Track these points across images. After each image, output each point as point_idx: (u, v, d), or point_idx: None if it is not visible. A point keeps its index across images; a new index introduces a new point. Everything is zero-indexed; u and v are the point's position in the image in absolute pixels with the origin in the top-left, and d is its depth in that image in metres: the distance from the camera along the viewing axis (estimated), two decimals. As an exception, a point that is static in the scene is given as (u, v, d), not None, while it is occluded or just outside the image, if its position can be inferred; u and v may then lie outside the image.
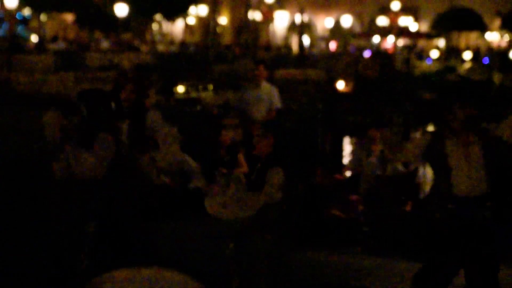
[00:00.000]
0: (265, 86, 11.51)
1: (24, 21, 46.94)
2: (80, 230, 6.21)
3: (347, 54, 42.16)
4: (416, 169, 12.04)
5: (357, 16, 56.75)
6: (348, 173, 11.05)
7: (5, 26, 40.94)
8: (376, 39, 52.82)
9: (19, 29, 45.31)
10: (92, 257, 6.17)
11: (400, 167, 10.56)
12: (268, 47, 43.82)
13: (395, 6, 49.48)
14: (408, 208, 9.20)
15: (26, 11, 44.90)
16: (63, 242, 6.37)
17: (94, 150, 6.09)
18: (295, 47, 48.73)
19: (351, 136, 15.12)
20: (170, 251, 7.99)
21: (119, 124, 6.83)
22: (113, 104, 6.64)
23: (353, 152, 11.41)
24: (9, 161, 9.79)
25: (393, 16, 47.06)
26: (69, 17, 48.80)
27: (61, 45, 36.09)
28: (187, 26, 55.51)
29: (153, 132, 7.04)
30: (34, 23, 49.43)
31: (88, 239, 6.21)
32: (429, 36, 47.29)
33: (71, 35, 46.95)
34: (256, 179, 8.39)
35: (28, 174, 7.73)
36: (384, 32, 49.33)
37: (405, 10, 50.47)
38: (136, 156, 7.13)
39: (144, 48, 38.84)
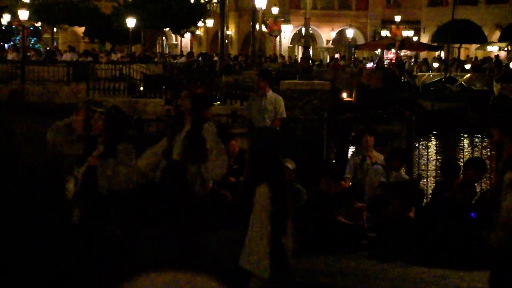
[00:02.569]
0: (271, 96, 11.77)
1: (36, 33, 47.43)
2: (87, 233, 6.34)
3: (350, 65, 42.63)
4: (420, 176, 12.39)
5: (360, 28, 57.18)
6: (350, 181, 11.43)
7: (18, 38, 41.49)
8: (378, 50, 53.26)
9: (32, 41, 45.86)
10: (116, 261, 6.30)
11: (403, 174, 10.94)
12: (274, 58, 44.25)
13: (397, 18, 49.96)
14: (412, 214, 9.49)
15: (38, 24, 45.34)
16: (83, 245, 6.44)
17: (125, 162, 6.21)
18: (299, 58, 49.19)
19: (353, 145, 15.50)
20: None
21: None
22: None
23: (349, 159, 11.81)
24: (23, 168, 10.20)
25: (396, 28, 47.41)
26: (80, 29, 49.35)
27: (72, 56, 36.49)
28: (194, 37, 56.00)
29: (204, 143, 7.18)
30: (46, 35, 49.96)
31: (112, 242, 6.34)
32: (430, 47, 47.59)
33: (82, 47, 47.50)
34: None
35: (41, 181, 8.03)
36: (386, 43, 49.71)
37: (407, 22, 50.86)
38: (185, 164, 7.23)
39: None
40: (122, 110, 6.63)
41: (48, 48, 43.73)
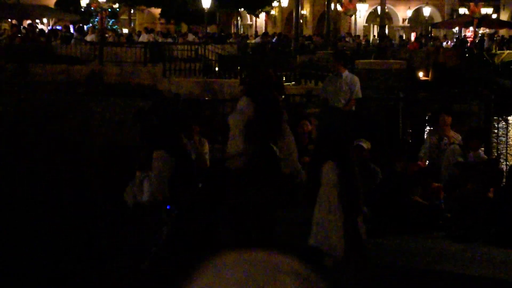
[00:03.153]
0: (346, 76, 11.70)
1: (114, 15, 48.23)
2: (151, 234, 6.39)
3: (427, 44, 41.95)
4: (499, 156, 12.12)
5: (437, 6, 56.14)
6: (426, 161, 11.32)
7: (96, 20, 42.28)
8: (456, 29, 52.24)
9: (110, 23, 46.65)
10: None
11: (482, 154, 10.75)
12: (348, 37, 43.92)
13: (476, -5, 48.91)
14: (490, 194, 9.28)
15: (115, 5, 46.11)
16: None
17: (151, 173, 6.19)
18: (375, 37, 48.67)
19: (429, 125, 15.31)
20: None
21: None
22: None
23: (426, 139, 11.62)
24: (100, 149, 10.41)
25: (474, 5, 46.37)
26: (156, 11, 49.97)
27: (149, 37, 36.98)
28: (269, 17, 56.01)
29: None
30: (123, 17, 50.78)
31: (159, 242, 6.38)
32: (510, 25, 46.42)
33: (159, 28, 48.09)
34: None
35: (118, 163, 8.18)
36: (464, 21, 48.72)
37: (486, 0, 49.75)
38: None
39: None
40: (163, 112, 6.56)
41: (129, 30, 44.40)
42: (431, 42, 43.51)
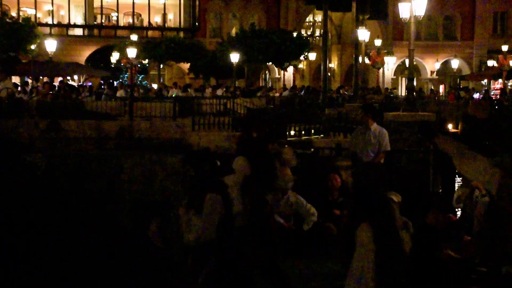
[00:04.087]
0: (375, 129, 11.79)
1: (143, 70, 48.89)
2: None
3: (451, 96, 41.87)
4: None
5: (466, 58, 56.17)
6: (459, 213, 11.20)
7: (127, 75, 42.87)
8: (485, 81, 52.15)
9: (139, 78, 47.28)
10: None
11: None
12: (377, 90, 44.01)
13: (505, 47, 48.86)
14: None
15: (145, 61, 46.76)
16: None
17: (203, 214, 6.20)
18: (403, 90, 48.74)
19: (460, 177, 15.20)
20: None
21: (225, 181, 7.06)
22: (218, 163, 6.97)
23: (457, 191, 11.51)
24: (132, 203, 10.45)
25: (503, 58, 46.32)
26: (185, 66, 50.58)
27: (178, 92, 37.36)
28: (297, 70, 56.40)
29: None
30: (153, 72, 51.46)
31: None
32: (539, 77, 46.32)
33: (188, 82, 48.61)
34: None
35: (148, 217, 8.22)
36: (493, 73, 48.65)
37: (514, 52, 49.71)
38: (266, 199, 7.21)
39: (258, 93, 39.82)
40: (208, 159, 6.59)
41: (158, 85, 44.90)
42: (463, 93, 43.38)
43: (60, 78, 39.55)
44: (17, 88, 34.07)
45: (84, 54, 52.64)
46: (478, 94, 45.57)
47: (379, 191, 5.57)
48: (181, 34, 54.57)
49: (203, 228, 6.20)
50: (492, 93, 45.45)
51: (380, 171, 6.02)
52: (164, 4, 56.02)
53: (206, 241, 6.24)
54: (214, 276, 6.33)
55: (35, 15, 52.05)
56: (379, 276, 5.35)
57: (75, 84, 42.20)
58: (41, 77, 40.16)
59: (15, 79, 42.25)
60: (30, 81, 41.10)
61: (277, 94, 40.46)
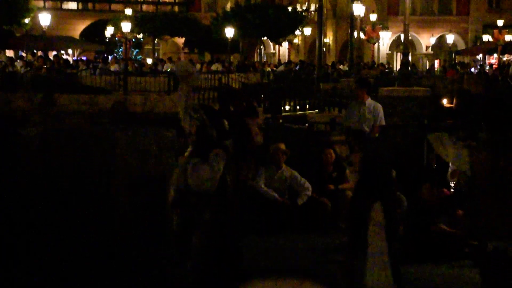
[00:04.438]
0: (370, 103, 11.76)
1: (138, 45, 48.71)
2: (187, 241, 6.45)
3: (448, 71, 41.83)
4: None
5: (461, 33, 56.04)
6: (453, 187, 11.23)
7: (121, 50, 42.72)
8: (480, 55, 52.08)
9: (134, 53, 47.12)
10: (197, 268, 6.40)
11: None
12: (372, 65, 43.95)
13: (500, 22, 48.75)
14: None
15: (140, 36, 46.57)
16: (170, 252, 6.75)
17: (210, 163, 6.31)
18: (398, 65, 48.68)
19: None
20: (279, 263, 8.49)
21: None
22: (226, 123, 7.04)
23: (450, 166, 11.55)
24: (127, 178, 10.45)
25: (498, 32, 46.23)
26: (180, 40, 50.40)
27: (173, 67, 37.22)
28: (292, 45, 56.25)
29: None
30: (147, 47, 51.29)
31: (194, 250, 6.43)
32: (535, 52, 46.26)
33: (182, 57, 48.48)
34: None
35: (145, 190, 8.23)
36: (488, 48, 48.59)
37: (510, 27, 49.51)
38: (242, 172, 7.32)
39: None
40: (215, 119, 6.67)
41: (153, 60, 44.79)
42: (458, 68, 43.32)
43: (54, 52, 39.38)
44: (13, 61, 33.90)
45: (78, 28, 52.38)
46: (473, 69, 45.54)
47: (388, 169, 5.64)
48: (176, 8, 54.31)
49: (210, 176, 6.30)
50: (487, 68, 45.44)
51: (387, 148, 6.12)
52: (159, -22, 55.73)
53: (207, 189, 6.33)
54: (208, 232, 6.37)
55: (29, -12, 51.72)
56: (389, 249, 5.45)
57: (69, 58, 42.02)
58: (34, 51, 39.96)
59: (9, 53, 42.04)
60: (24, 54, 40.90)
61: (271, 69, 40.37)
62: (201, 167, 6.34)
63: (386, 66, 45.64)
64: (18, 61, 35.42)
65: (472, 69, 45.25)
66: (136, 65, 38.73)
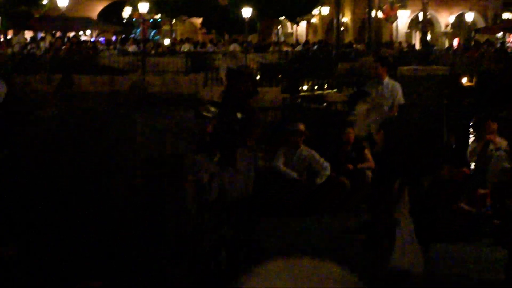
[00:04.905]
0: (388, 82, 11.71)
1: (156, 25, 48.66)
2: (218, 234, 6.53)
3: (470, 49, 41.47)
4: None
5: (480, 11, 55.50)
6: (473, 167, 11.17)
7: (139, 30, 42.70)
8: (500, 34, 51.54)
9: (152, 33, 47.08)
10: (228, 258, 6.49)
11: None
12: (390, 44, 43.67)
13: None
14: None
15: (157, 16, 46.52)
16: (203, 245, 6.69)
17: (244, 172, 6.32)
18: (417, 43, 48.34)
19: (474, 131, 15.14)
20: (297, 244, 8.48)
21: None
22: (239, 115, 6.95)
23: (471, 145, 11.49)
24: (146, 159, 10.47)
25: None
26: (197, 21, 50.31)
27: (190, 47, 37.22)
28: (310, 25, 55.96)
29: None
30: (165, 27, 51.22)
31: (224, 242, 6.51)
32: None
33: (200, 38, 48.39)
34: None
35: (166, 173, 8.21)
36: (508, 26, 48.06)
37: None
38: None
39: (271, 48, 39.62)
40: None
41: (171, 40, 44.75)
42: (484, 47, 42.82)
43: (72, 33, 39.40)
44: (32, 43, 33.96)
45: (96, 9, 52.36)
46: (493, 47, 45.09)
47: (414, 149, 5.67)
48: (193, -11, 54.12)
49: (245, 185, 6.31)
50: (507, 46, 44.98)
51: (406, 127, 6.12)
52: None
53: (246, 196, 6.32)
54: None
55: (47, -31, 51.72)
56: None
57: (87, 39, 42.07)
58: (53, 32, 40.03)
59: (28, 34, 42.15)
60: (42, 35, 40.98)
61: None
62: (237, 179, 6.31)
63: (406, 44, 45.31)
64: (41, 43, 35.50)
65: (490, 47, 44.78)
66: (152, 45, 38.74)
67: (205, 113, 6.45)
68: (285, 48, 40.37)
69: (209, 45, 38.22)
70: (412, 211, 5.49)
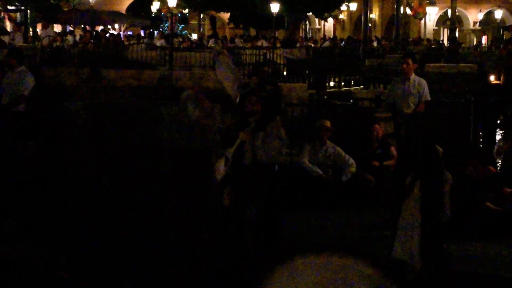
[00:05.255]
0: (414, 79, 11.56)
1: (184, 20, 48.80)
2: (243, 216, 6.49)
3: (500, 47, 41.12)
4: None
5: (510, 8, 54.99)
6: (499, 165, 11.11)
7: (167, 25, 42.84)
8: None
9: (180, 28, 47.21)
10: (252, 242, 6.49)
11: None
12: (418, 41, 43.43)
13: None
14: None
15: (185, 11, 46.65)
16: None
17: (279, 136, 6.32)
18: (445, 41, 48.03)
19: (501, 129, 15.07)
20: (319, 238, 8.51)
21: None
22: (268, 87, 7.02)
23: (498, 143, 11.41)
24: (174, 152, 10.54)
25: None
26: (225, 16, 50.39)
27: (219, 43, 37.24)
28: (338, 21, 55.84)
29: None
30: (193, 22, 51.38)
31: (249, 224, 6.47)
32: None
33: (228, 33, 48.47)
34: None
35: (190, 166, 8.26)
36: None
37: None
38: None
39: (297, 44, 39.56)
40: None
41: (198, 35, 44.86)
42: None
43: (101, 27, 39.63)
44: (61, 36, 34.18)
45: (124, 3, 52.63)
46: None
47: (431, 145, 5.64)
48: (221, -16, 54.21)
49: (282, 147, 6.33)
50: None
51: (430, 123, 6.11)
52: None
53: (271, 160, 6.34)
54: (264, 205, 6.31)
55: (76, -37, 52.03)
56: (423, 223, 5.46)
57: (115, 32, 42.31)
58: (81, 26, 40.30)
59: (57, 27, 42.46)
60: (71, 29, 41.28)
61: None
62: (268, 142, 6.32)
63: (432, 41, 45.04)
64: (70, 36, 35.75)
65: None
66: (180, 39, 38.85)
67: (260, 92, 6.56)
68: (312, 44, 40.30)
69: (237, 40, 38.26)
70: (425, 207, 5.47)
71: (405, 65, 11.55)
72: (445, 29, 52.37)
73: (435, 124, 11.08)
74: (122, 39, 36.54)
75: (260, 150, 6.32)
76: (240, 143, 6.38)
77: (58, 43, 31.43)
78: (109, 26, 44.08)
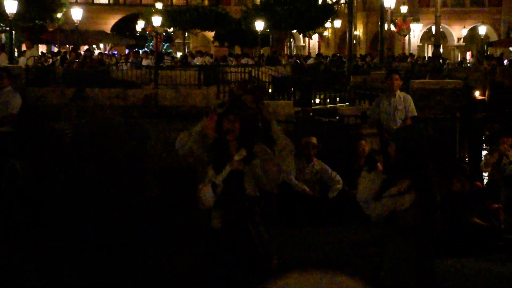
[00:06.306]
0: (400, 95, 11.59)
1: (169, 39, 48.86)
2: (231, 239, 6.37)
3: (484, 63, 41.41)
4: None
5: (493, 24, 55.45)
6: (486, 181, 11.12)
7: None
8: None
9: (164, 46, 47.25)
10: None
11: None
12: (403, 57, 43.63)
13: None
14: None
15: (170, 30, 46.72)
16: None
17: (265, 159, 6.05)
18: (429, 57, 48.30)
19: (487, 144, 15.12)
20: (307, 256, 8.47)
21: None
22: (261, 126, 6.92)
23: (484, 158, 11.42)
24: (157, 172, 10.51)
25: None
26: (210, 34, 50.49)
27: (204, 60, 37.28)
28: (322, 38, 56.06)
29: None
30: (178, 40, 51.46)
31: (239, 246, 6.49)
32: None
33: (212, 51, 48.56)
34: None
35: (175, 185, 8.23)
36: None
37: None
38: None
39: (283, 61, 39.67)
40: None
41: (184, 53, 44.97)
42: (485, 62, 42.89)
43: (86, 47, 39.63)
44: (46, 56, 34.14)
45: (109, 22, 52.75)
46: (506, 61, 45.04)
47: (424, 156, 5.60)
48: (206, 2, 54.39)
49: (270, 174, 6.08)
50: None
51: (422, 134, 6.04)
52: (189, -28, 55.84)
53: (269, 187, 6.16)
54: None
55: (60, -17, 52.10)
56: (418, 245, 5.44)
57: (100, 51, 42.30)
58: (66, 46, 40.30)
59: (42, 48, 42.41)
60: (56, 49, 41.23)
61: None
62: (267, 167, 6.08)
63: (415, 57, 45.29)
64: (57, 56, 35.70)
65: (505, 61, 44.75)
66: (166, 58, 38.87)
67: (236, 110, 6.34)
68: (298, 61, 40.41)
69: (229, 58, 38.32)
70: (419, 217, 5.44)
71: (393, 81, 11.56)
72: (430, 45, 52.74)
73: (426, 131, 11.08)
74: (106, 59, 36.49)
75: (262, 178, 6.10)
76: (231, 172, 6.19)
77: (47, 63, 31.35)
78: (94, 46, 44.07)
